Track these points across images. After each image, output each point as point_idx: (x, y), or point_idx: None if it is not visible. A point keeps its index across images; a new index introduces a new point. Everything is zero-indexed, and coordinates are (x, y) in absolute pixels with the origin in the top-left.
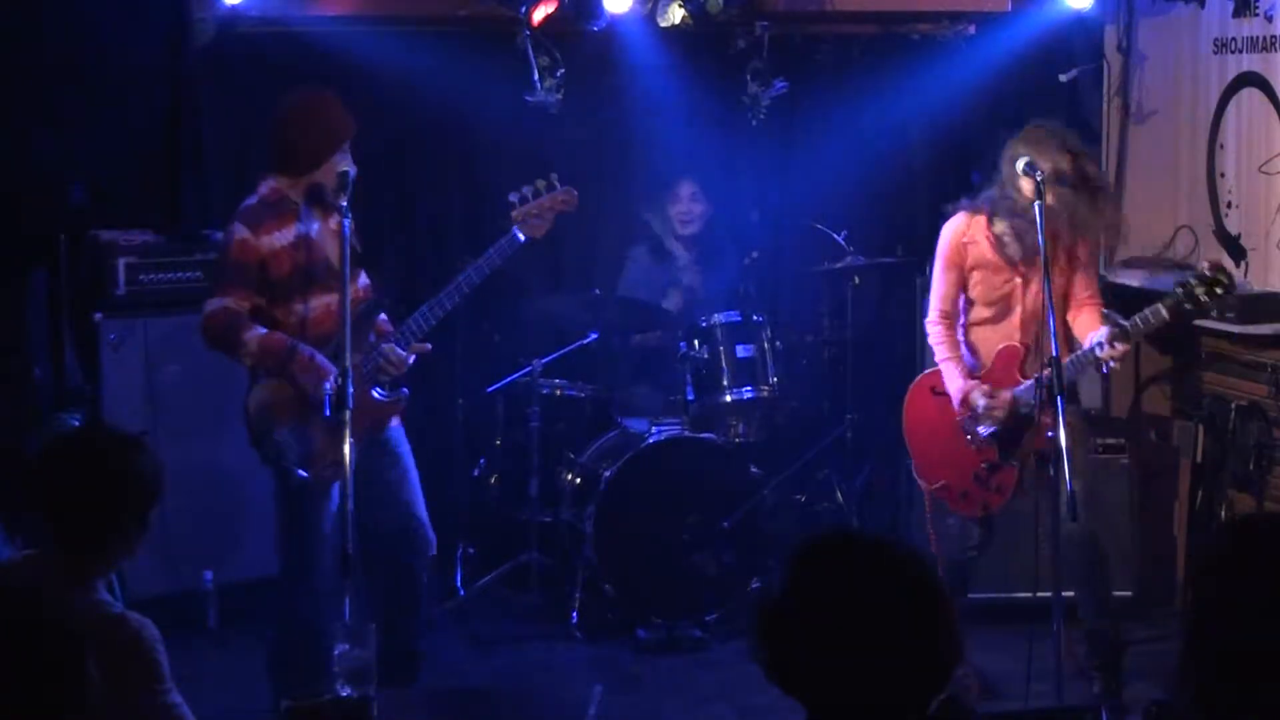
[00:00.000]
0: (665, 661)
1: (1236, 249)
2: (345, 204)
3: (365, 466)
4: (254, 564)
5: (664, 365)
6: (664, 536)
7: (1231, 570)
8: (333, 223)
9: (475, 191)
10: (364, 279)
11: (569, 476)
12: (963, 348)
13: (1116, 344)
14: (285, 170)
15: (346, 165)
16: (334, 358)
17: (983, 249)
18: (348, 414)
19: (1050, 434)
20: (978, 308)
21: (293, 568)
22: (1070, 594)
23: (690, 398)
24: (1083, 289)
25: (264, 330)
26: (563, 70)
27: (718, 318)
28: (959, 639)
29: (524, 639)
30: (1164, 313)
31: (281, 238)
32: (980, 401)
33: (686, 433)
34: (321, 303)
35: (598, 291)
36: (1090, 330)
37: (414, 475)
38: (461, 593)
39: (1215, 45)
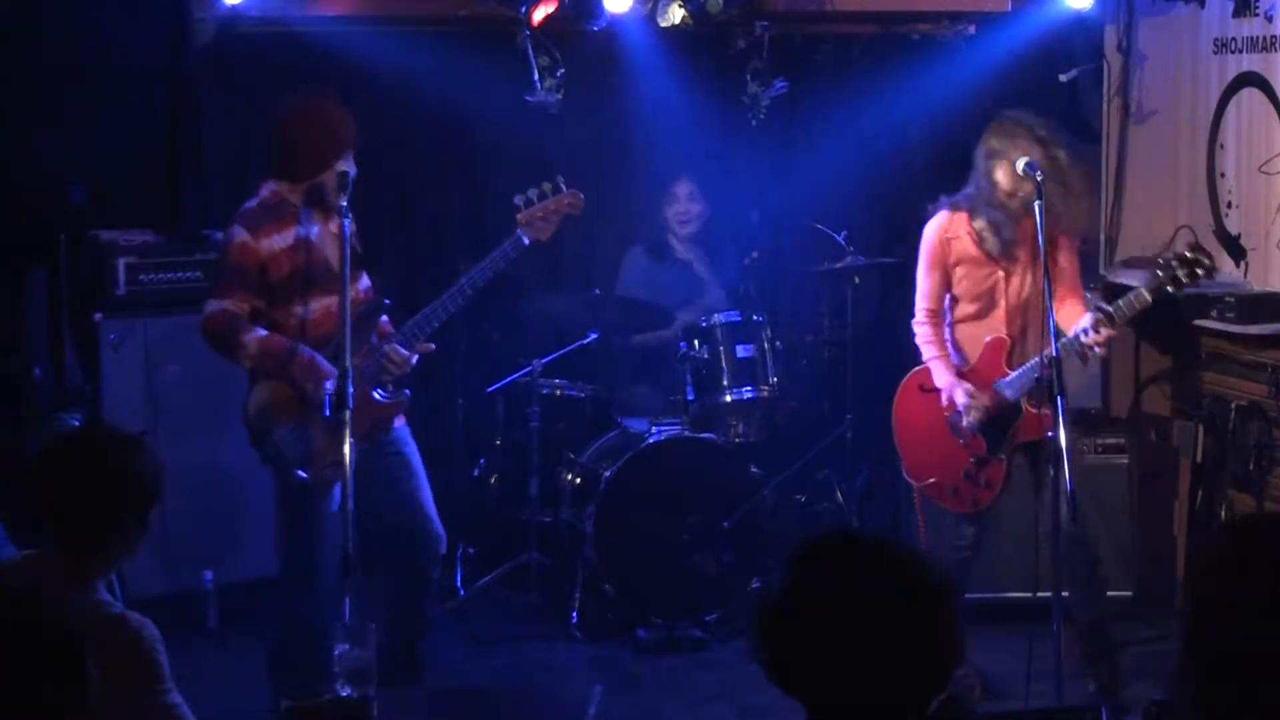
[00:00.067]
0: (665, 661)
1: (1236, 249)
2: (345, 204)
3: (372, 467)
4: (254, 564)
5: (664, 365)
6: (664, 536)
7: (1231, 570)
8: (333, 225)
9: (475, 191)
10: (365, 281)
11: (569, 476)
12: (949, 346)
13: (1101, 329)
14: (286, 174)
15: (347, 166)
16: (334, 359)
17: (965, 244)
18: (348, 414)
19: (1050, 434)
20: (962, 304)
21: (293, 568)
22: (1066, 593)
23: (690, 398)
24: (1068, 281)
25: (264, 332)
26: (563, 70)
27: (718, 318)
28: (959, 639)
29: (524, 639)
30: (1146, 295)
31: (281, 241)
32: (962, 400)
33: (686, 433)
34: (321, 305)
35: (598, 291)
36: (1075, 319)
37: (422, 474)
38: (461, 593)
39: (1215, 45)
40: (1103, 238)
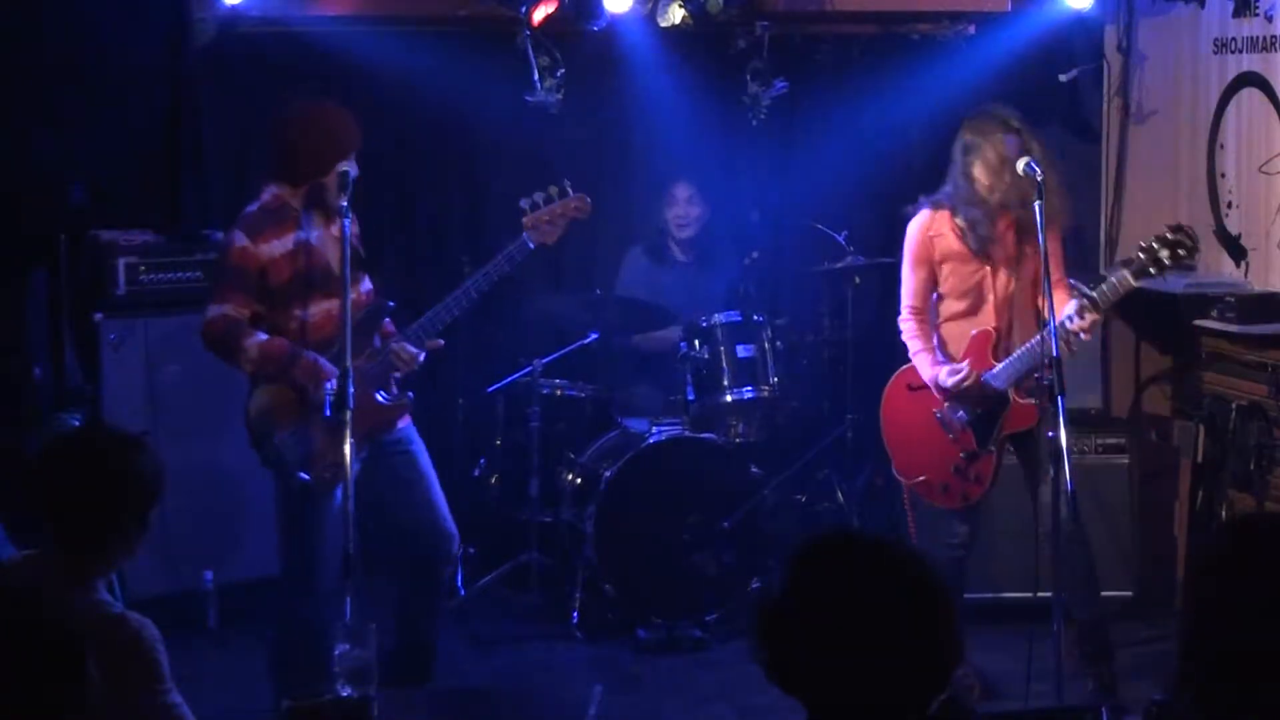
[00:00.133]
0: (665, 661)
1: (1237, 249)
2: (345, 204)
3: (379, 468)
4: (254, 564)
5: (664, 365)
6: (664, 536)
7: (1231, 570)
8: (335, 229)
9: (475, 191)
10: (366, 283)
11: (569, 476)
12: (936, 345)
13: (1086, 315)
14: (287, 177)
15: (348, 167)
16: (336, 361)
17: (950, 240)
18: (348, 414)
19: (1051, 434)
20: (950, 301)
21: (294, 569)
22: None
23: (690, 398)
24: (1052, 270)
25: (264, 337)
26: (563, 70)
27: (718, 318)
28: (959, 639)
29: (524, 639)
30: (1129, 278)
31: (281, 245)
32: (948, 380)
33: (687, 433)
34: (322, 309)
35: (598, 291)
36: (1060, 307)
37: (432, 473)
38: (461, 593)
39: (1215, 45)
40: (1103, 238)
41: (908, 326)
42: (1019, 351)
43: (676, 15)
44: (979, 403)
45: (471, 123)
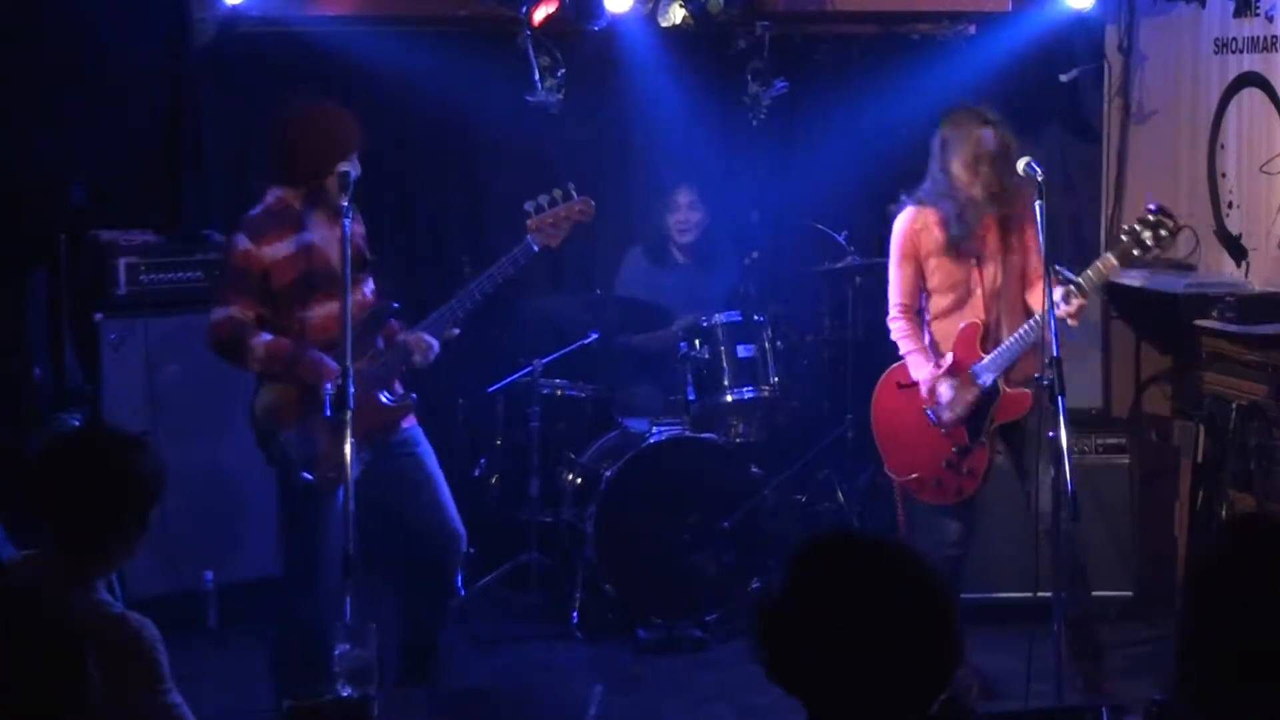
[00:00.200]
0: (665, 661)
1: (1237, 249)
2: (346, 204)
3: (385, 469)
4: (254, 564)
5: (664, 365)
6: (664, 536)
7: (1231, 570)
8: (339, 230)
9: (475, 191)
10: (370, 285)
11: (569, 476)
12: (928, 344)
13: (1071, 300)
14: (289, 180)
15: (348, 167)
16: (340, 360)
17: (936, 236)
18: (348, 414)
19: (1051, 434)
20: (937, 297)
21: (297, 568)
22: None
23: (691, 398)
24: (1039, 265)
25: (269, 336)
26: (563, 70)
27: (718, 318)
28: (959, 639)
29: (524, 639)
30: (1112, 260)
31: (284, 247)
32: (946, 395)
33: (687, 433)
34: (325, 309)
35: (598, 291)
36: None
37: (439, 474)
38: (462, 593)
39: (1216, 45)
40: (1103, 238)
41: (898, 326)
42: (1007, 342)
43: (677, 15)
44: (973, 403)
45: (471, 123)
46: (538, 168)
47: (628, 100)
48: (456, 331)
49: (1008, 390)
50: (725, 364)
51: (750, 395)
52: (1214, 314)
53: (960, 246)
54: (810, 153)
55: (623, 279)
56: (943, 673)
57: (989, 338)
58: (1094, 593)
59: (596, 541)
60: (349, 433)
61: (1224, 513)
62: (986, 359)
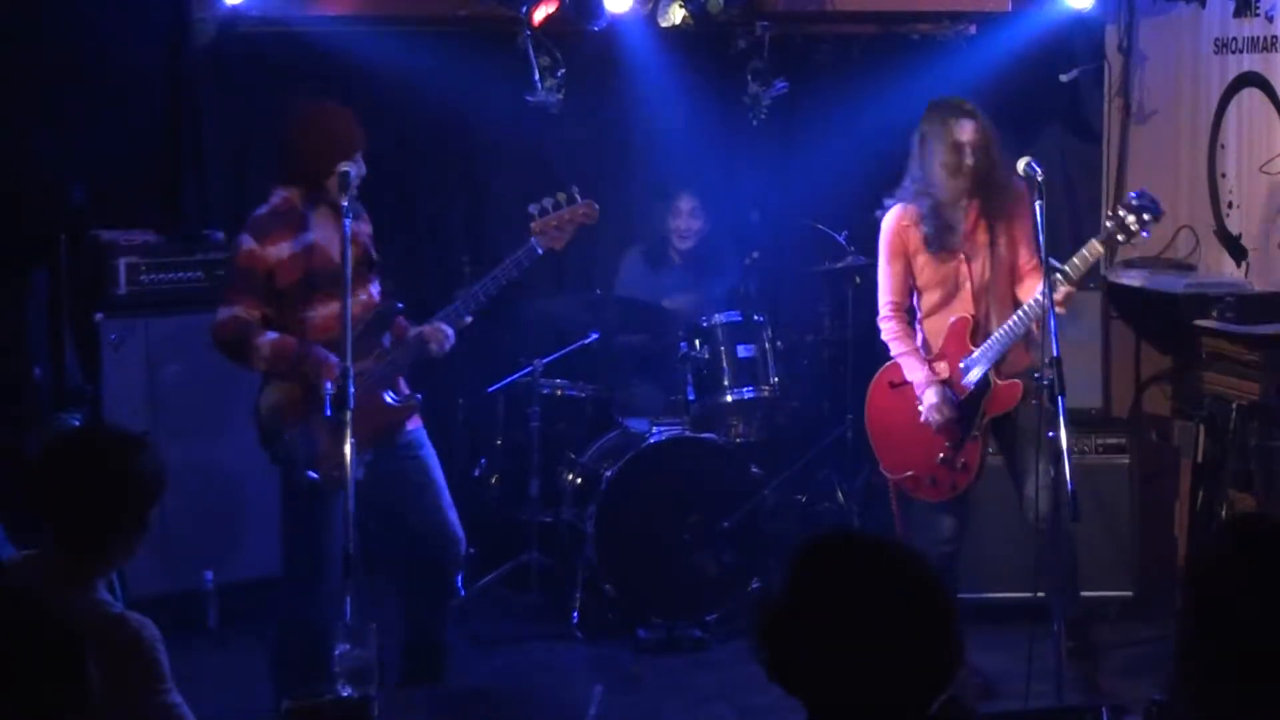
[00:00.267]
0: (665, 661)
1: (1237, 249)
2: (346, 204)
3: (390, 471)
4: (254, 564)
5: (665, 365)
6: (664, 536)
7: (1231, 570)
8: (342, 230)
9: (475, 191)
10: (376, 285)
11: (570, 476)
12: (921, 344)
13: (1060, 288)
14: (293, 180)
15: (349, 167)
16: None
17: (921, 231)
18: (348, 414)
19: (1051, 434)
20: (927, 295)
21: (299, 568)
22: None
23: (691, 398)
24: (1027, 259)
25: (274, 335)
26: (563, 70)
27: (718, 318)
28: (960, 640)
29: (524, 639)
30: (1097, 245)
31: (289, 247)
32: (933, 400)
33: (687, 433)
34: (330, 309)
35: (598, 291)
36: (1035, 290)
37: (441, 477)
38: (462, 593)
39: (1216, 45)
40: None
41: (889, 326)
42: (996, 334)
43: (677, 15)
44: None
45: (471, 123)
46: (538, 168)
47: (628, 100)
48: (469, 319)
49: (998, 383)
50: (725, 364)
51: (750, 395)
52: (1214, 314)
53: (943, 242)
54: (810, 153)
55: (621, 279)
56: (943, 673)
57: (979, 332)
58: (1095, 593)
59: (597, 541)
60: (349, 433)
61: (1224, 513)
62: (976, 352)
